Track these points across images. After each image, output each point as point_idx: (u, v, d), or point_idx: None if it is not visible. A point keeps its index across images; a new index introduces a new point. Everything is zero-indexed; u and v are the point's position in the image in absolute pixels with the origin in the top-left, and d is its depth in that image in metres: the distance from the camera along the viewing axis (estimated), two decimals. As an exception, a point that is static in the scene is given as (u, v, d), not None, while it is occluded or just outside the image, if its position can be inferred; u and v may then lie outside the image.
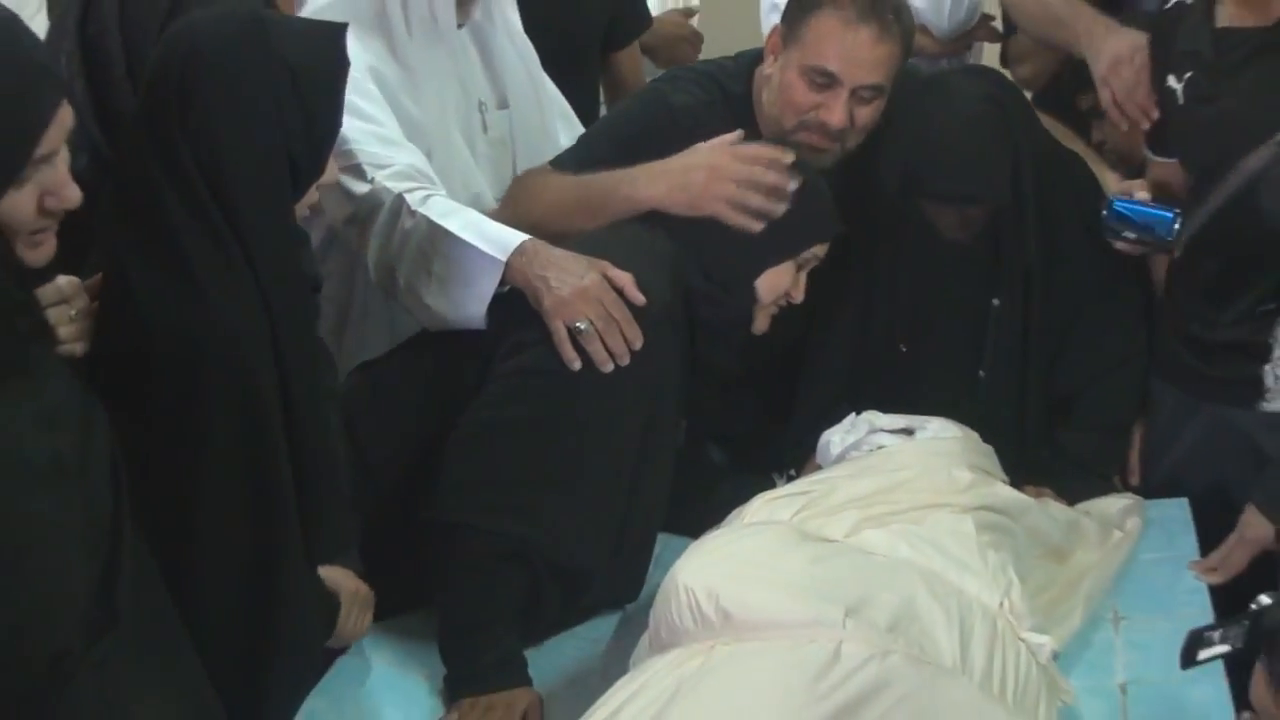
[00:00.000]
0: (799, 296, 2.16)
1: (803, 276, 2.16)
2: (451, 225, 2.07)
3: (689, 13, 3.48)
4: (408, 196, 2.10)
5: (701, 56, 3.31)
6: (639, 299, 1.99)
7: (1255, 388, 2.18)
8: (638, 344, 1.97)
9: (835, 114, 2.22)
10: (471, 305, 2.05)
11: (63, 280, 1.59)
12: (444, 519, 1.96)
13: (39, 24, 4.24)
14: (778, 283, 2.13)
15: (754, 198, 2.10)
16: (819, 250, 2.16)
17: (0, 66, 1.36)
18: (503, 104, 2.42)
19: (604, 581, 2.08)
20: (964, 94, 2.25)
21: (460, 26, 2.32)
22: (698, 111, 2.28)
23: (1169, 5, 2.27)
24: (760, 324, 2.16)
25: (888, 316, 2.38)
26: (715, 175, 2.11)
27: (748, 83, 2.34)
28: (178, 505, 1.59)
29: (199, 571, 1.61)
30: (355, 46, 2.18)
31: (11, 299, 1.39)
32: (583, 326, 1.96)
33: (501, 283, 2.04)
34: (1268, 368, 2.18)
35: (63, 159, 1.44)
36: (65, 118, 1.42)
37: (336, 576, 1.85)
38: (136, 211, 1.62)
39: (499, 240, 2.05)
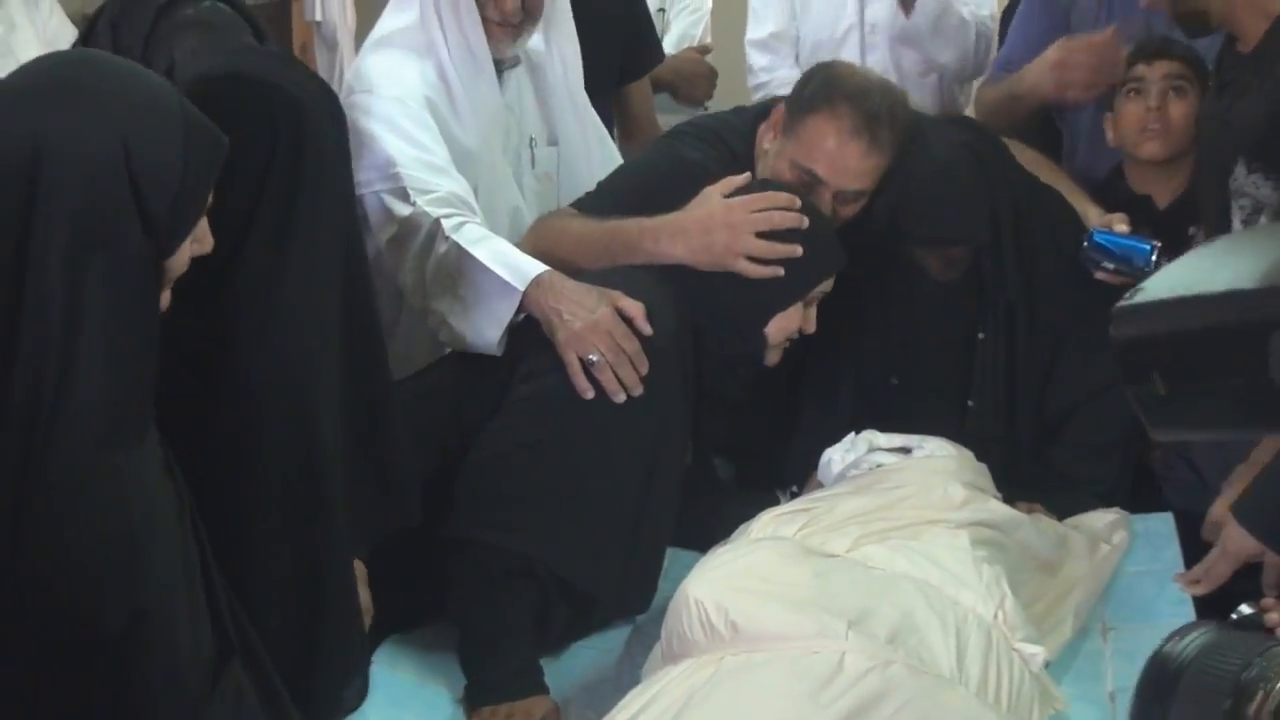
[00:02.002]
0: (811, 328, 2.21)
1: (811, 310, 2.21)
2: (478, 252, 2.14)
3: (704, 50, 3.53)
4: (444, 222, 2.17)
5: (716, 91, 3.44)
6: (648, 329, 2.05)
7: None
8: (645, 372, 2.04)
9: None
10: (489, 330, 2.12)
11: None
12: (459, 536, 2.01)
13: (55, 24, 4.31)
14: (787, 325, 2.19)
15: (775, 249, 2.15)
16: (826, 285, 2.22)
17: (191, 136, 1.40)
18: (551, 140, 2.52)
19: (613, 597, 2.13)
20: (942, 142, 2.32)
21: (507, 65, 2.41)
22: (709, 166, 2.32)
23: None
24: (771, 359, 2.22)
25: (879, 351, 2.43)
26: (735, 234, 2.15)
27: (750, 143, 2.39)
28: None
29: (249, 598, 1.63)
30: (414, 77, 2.30)
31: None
32: (595, 358, 2.03)
33: (519, 310, 2.10)
34: None
35: None
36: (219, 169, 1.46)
37: None
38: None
39: (519, 270, 2.12)
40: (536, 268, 2.13)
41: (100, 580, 1.31)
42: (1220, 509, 2.22)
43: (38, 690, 1.32)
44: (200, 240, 1.45)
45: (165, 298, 1.45)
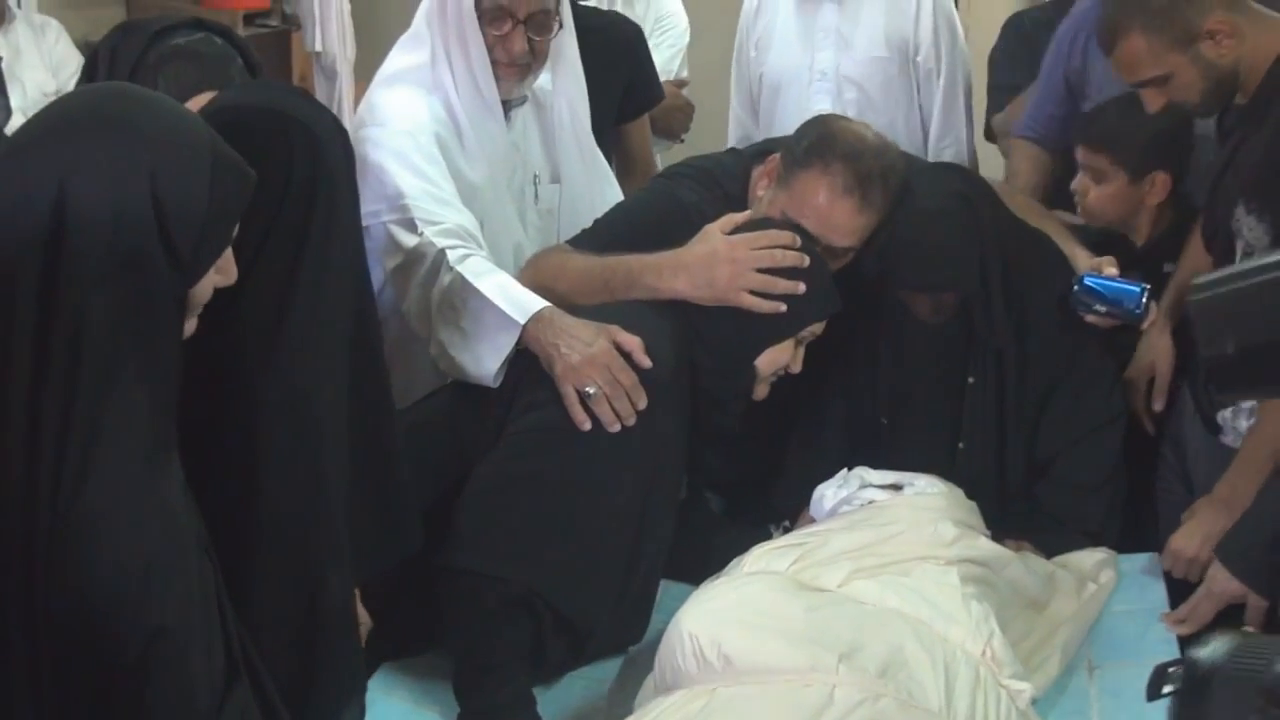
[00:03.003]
0: (797, 368, 2.24)
1: (800, 350, 2.24)
2: (482, 284, 2.17)
3: (680, 84, 3.59)
4: (449, 253, 2.20)
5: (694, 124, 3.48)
6: (645, 363, 2.08)
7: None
8: (642, 405, 2.06)
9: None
10: (488, 361, 2.15)
11: None
12: (455, 566, 2.03)
13: (61, 49, 4.32)
14: (777, 359, 2.22)
15: (777, 285, 2.18)
16: (817, 328, 2.25)
17: (218, 168, 1.41)
18: (554, 178, 2.56)
19: (607, 629, 2.15)
20: (933, 191, 2.34)
21: (514, 103, 2.45)
22: (703, 209, 2.35)
23: None
24: (759, 393, 2.24)
25: (869, 392, 2.46)
26: (737, 269, 2.18)
27: (744, 185, 2.43)
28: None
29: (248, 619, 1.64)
30: (425, 115, 2.35)
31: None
32: (591, 391, 2.05)
33: (519, 344, 2.13)
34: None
35: None
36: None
37: None
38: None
39: (521, 304, 2.15)
40: (538, 303, 2.16)
41: (122, 600, 1.32)
42: (1177, 541, 2.26)
43: (55, 710, 1.33)
44: (224, 271, 1.47)
45: (191, 325, 1.47)
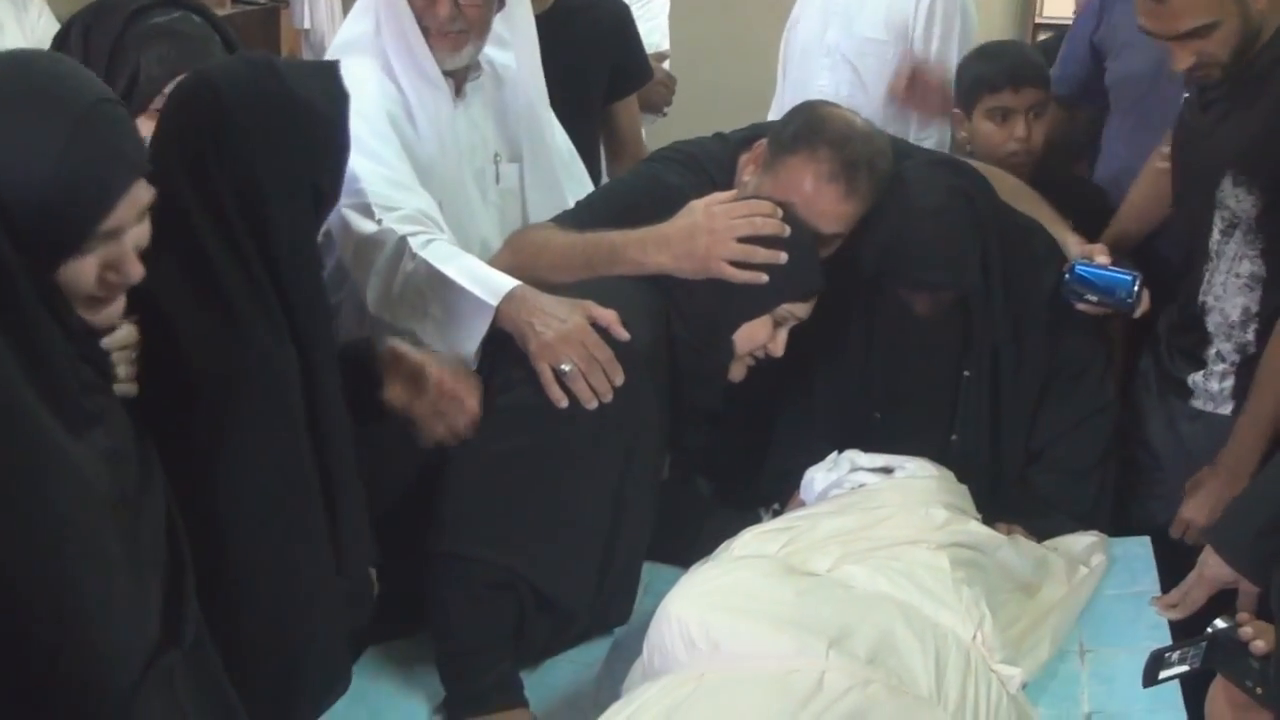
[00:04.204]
0: (778, 351, 2.21)
1: (781, 333, 2.21)
2: (449, 269, 2.14)
3: (661, 57, 3.57)
4: (411, 240, 2.17)
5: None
6: (623, 335, 2.07)
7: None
8: (619, 381, 2.05)
9: None
10: (463, 346, 2.13)
11: (125, 329, 1.64)
12: (435, 549, 2.02)
13: (43, 26, 4.28)
14: (754, 335, 2.19)
15: (757, 253, 2.16)
16: (796, 309, 2.21)
17: (74, 145, 1.40)
18: (514, 157, 2.51)
19: (590, 611, 2.14)
20: (932, 187, 2.31)
21: (469, 78, 2.40)
22: (688, 192, 2.32)
23: None
24: (735, 373, 2.22)
25: (864, 385, 2.44)
26: (717, 239, 2.16)
27: (730, 172, 2.40)
28: (210, 531, 1.64)
29: (229, 590, 1.66)
30: (375, 92, 2.28)
31: (75, 352, 1.44)
32: (567, 368, 2.04)
33: (492, 325, 2.11)
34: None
35: (134, 235, 1.48)
36: (140, 195, 1.46)
37: None
38: (171, 246, 1.65)
39: (492, 285, 2.13)
40: (509, 283, 2.14)
41: (24, 569, 1.33)
42: (1188, 512, 2.34)
43: None
44: (115, 267, 1.46)
45: (117, 307, 1.48)
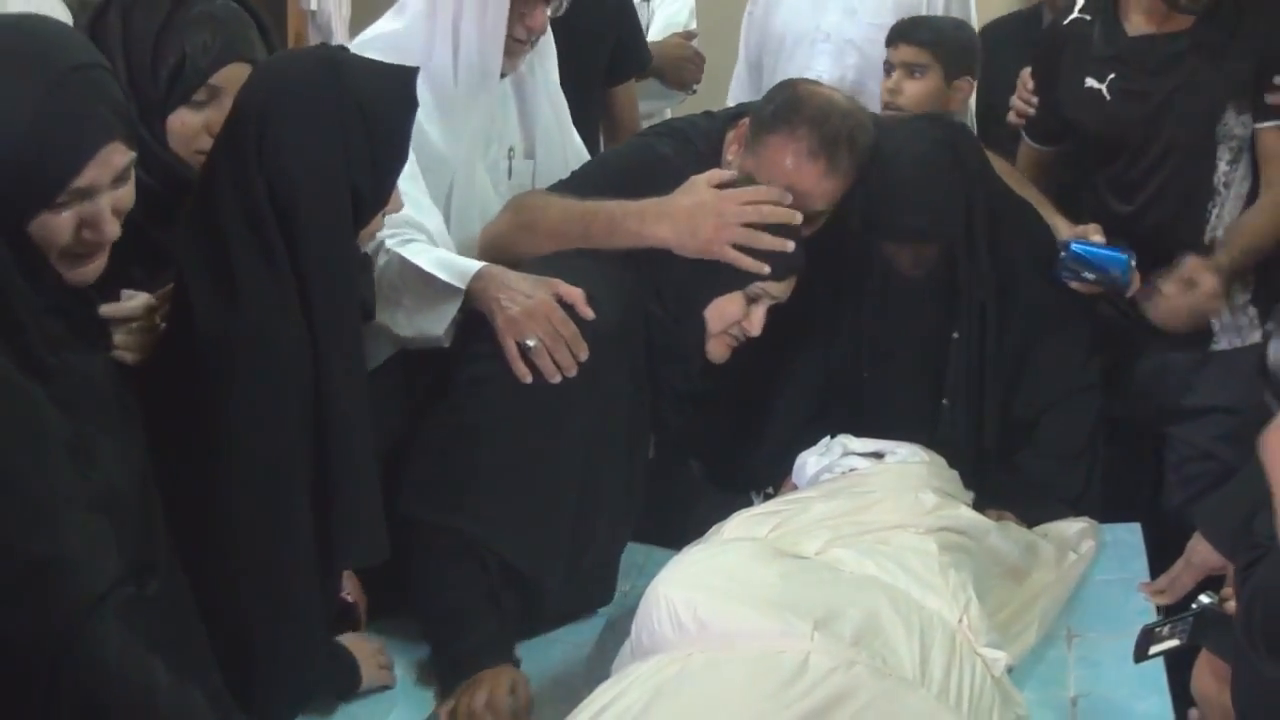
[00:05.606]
0: (754, 330, 2.22)
1: (757, 310, 2.22)
2: (420, 260, 2.17)
3: (689, 35, 3.57)
4: (388, 240, 2.19)
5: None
6: (589, 314, 2.09)
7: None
8: (583, 356, 2.07)
9: None
10: (434, 329, 2.16)
11: (137, 299, 1.69)
12: (407, 514, 2.04)
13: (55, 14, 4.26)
14: (725, 312, 2.20)
15: (763, 240, 2.18)
16: (771, 287, 2.22)
17: (48, 106, 1.45)
18: (529, 154, 2.53)
19: (572, 587, 2.16)
20: (918, 137, 2.33)
21: (503, 76, 2.42)
22: (675, 162, 2.35)
23: (1069, 20, 2.59)
24: (715, 352, 2.23)
25: (853, 348, 2.45)
26: (723, 221, 2.18)
27: (717, 147, 2.42)
28: (197, 509, 1.68)
29: (212, 568, 1.70)
30: None
31: (45, 304, 1.49)
32: (531, 343, 2.06)
33: (464, 305, 2.14)
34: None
35: (113, 196, 1.51)
36: (113, 158, 1.50)
37: (353, 641, 1.97)
38: (203, 228, 1.73)
39: (460, 270, 2.16)
40: (475, 265, 2.17)
41: None
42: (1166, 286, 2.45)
43: None
44: (92, 225, 1.50)
45: (97, 264, 1.53)
